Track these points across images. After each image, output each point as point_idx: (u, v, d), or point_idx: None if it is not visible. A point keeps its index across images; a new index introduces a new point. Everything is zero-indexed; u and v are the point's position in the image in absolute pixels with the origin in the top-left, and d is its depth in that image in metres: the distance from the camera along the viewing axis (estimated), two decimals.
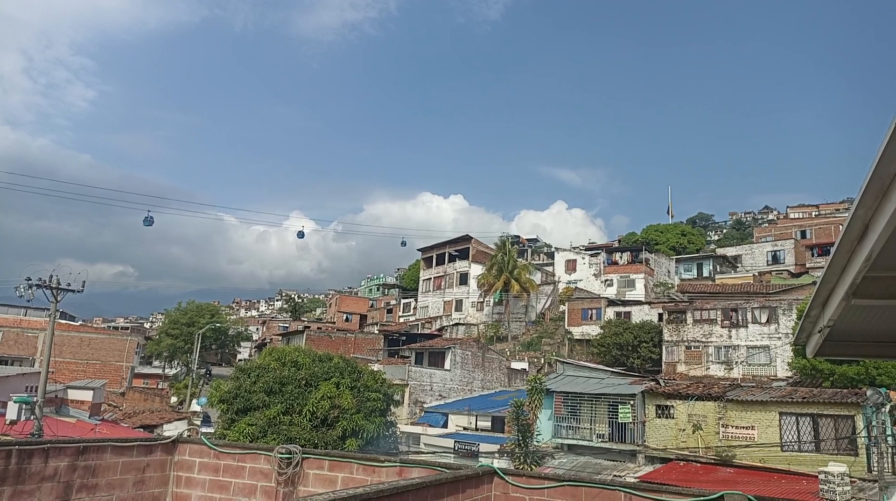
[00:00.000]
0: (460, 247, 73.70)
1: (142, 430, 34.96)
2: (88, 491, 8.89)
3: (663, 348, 45.74)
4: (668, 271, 67.47)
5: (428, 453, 28.06)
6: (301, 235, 47.00)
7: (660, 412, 26.09)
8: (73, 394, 34.09)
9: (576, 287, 63.26)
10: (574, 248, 77.32)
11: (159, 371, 76.93)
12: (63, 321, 54.97)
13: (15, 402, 21.63)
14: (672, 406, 25.81)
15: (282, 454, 9.61)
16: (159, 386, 64.62)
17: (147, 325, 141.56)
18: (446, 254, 74.72)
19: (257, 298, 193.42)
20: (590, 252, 71.11)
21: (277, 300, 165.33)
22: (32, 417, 21.57)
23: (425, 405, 39.55)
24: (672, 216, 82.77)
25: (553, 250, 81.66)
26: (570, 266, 68.10)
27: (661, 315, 48.63)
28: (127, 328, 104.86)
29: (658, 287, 62.87)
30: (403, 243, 76.08)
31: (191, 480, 10.07)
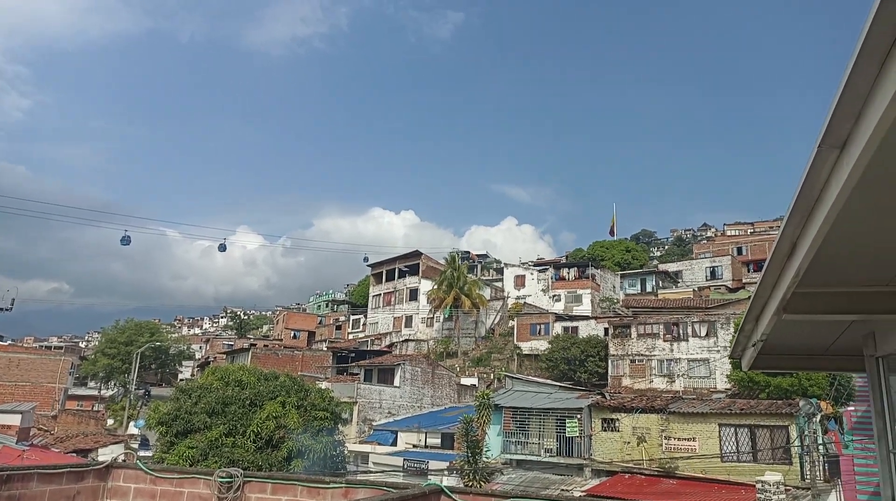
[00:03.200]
0: (410, 263, 73.58)
1: (75, 455, 33.16)
2: None
3: (609, 362, 46.65)
4: (614, 287, 69.04)
5: (377, 472, 27.66)
6: (223, 248, 44.69)
7: (606, 425, 26.52)
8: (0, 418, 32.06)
9: (525, 303, 63.96)
10: (523, 263, 78.27)
11: (95, 393, 73.41)
12: None
13: None
14: (617, 420, 26.28)
15: (222, 477, 9.28)
16: (95, 408, 61.60)
17: (82, 344, 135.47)
18: (396, 270, 74.44)
19: (201, 315, 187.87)
20: (538, 268, 72.11)
21: (222, 317, 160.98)
22: None
23: (374, 423, 39.05)
24: (614, 234, 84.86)
25: (503, 265, 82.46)
26: (520, 282, 68.87)
27: (606, 330, 49.63)
28: (61, 348, 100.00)
29: (604, 302, 64.20)
30: (366, 259, 75.52)
31: None
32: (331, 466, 22.30)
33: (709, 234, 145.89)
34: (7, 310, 24.26)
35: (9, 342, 75.60)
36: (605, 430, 26.41)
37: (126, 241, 33.81)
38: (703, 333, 44.03)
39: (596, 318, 55.83)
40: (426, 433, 34.01)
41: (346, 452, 25.81)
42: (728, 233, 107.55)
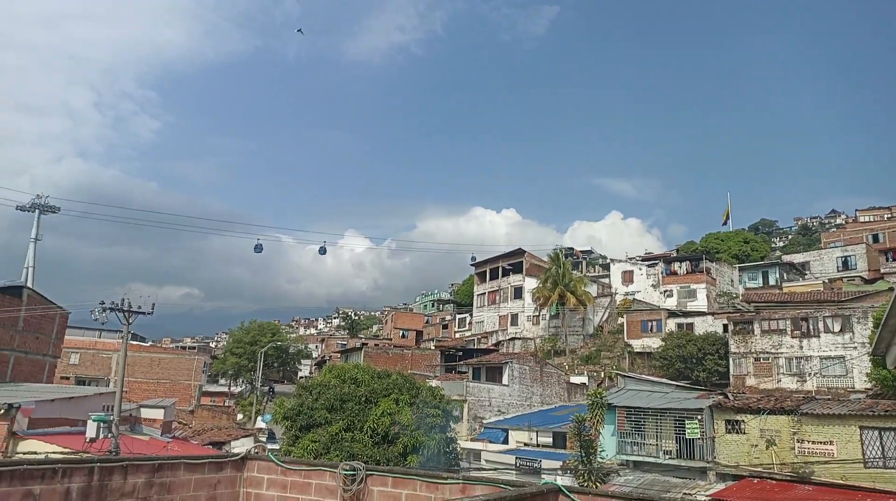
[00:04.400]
0: (514, 261, 73.32)
1: (211, 447, 36.08)
2: None
3: (730, 360, 44.06)
4: (732, 281, 65.14)
5: (489, 469, 27.82)
6: (323, 251, 48.05)
7: (730, 427, 25.07)
8: (145, 413, 35.50)
9: (634, 299, 61.85)
10: (630, 259, 75.74)
11: (225, 389, 79.30)
12: (134, 343, 57.51)
13: (93, 420, 22.68)
14: (743, 421, 24.76)
15: (346, 470, 9.69)
16: (226, 404, 66.56)
17: (213, 344, 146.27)
18: (500, 268, 74.46)
19: (316, 316, 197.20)
20: (647, 263, 69.47)
21: (335, 318, 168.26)
22: (109, 435, 22.56)
23: (484, 421, 39.28)
24: (726, 223, 79.92)
25: (608, 261, 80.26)
26: (627, 277, 66.67)
27: (726, 326, 46.92)
28: (194, 348, 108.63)
29: (721, 297, 60.75)
30: (473, 259, 76.49)
31: (260, 496, 10.27)
32: (445, 462, 22.70)
33: (838, 221, 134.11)
34: (149, 314, 26.67)
35: (150, 343, 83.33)
36: (729, 432, 24.97)
37: (259, 249, 36.48)
38: (837, 328, 40.52)
39: (713, 314, 52.96)
40: (537, 431, 33.77)
41: (458, 449, 26.17)
42: (861, 219, 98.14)
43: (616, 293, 66.11)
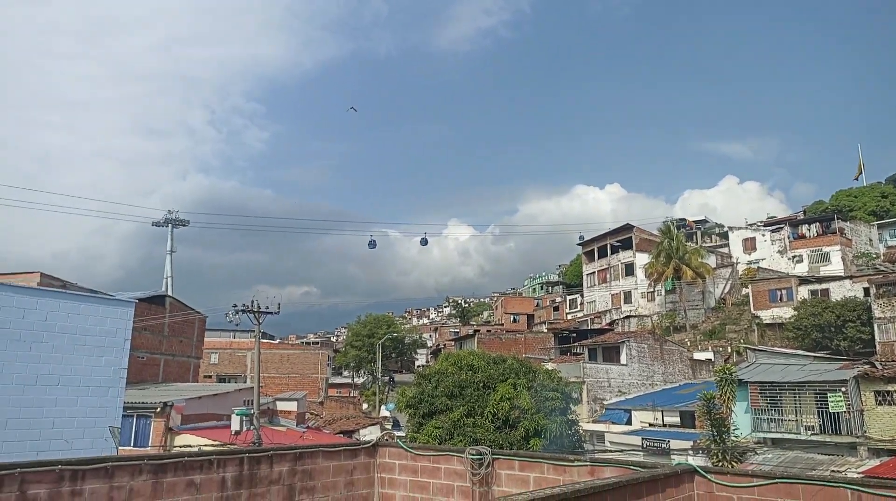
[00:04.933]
0: (622, 237, 70.98)
1: (342, 435, 38.06)
2: (308, 493, 9.82)
3: (875, 326, 40.23)
4: (870, 240, 59.32)
5: (615, 451, 27.28)
6: (424, 242, 48.74)
7: (880, 398, 22.96)
8: (280, 405, 38.06)
9: (758, 267, 57.93)
10: (751, 225, 70.86)
11: (349, 381, 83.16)
12: (264, 341, 61.57)
13: (237, 414, 24.65)
14: (895, 392, 22.60)
15: (473, 455, 9.88)
16: (351, 395, 69.87)
17: (333, 339, 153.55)
18: (608, 246, 72.37)
19: (427, 305, 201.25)
20: (770, 228, 64.73)
21: (445, 307, 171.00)
22: (251, 427, 24.41)
23: (605, 402, 38.52)
24: (859, 177, 72.59)
25: (726, 229, 75.51)
26: (749, 245, 62.54)
27: (867, 290, 42.85)
28: (317, 343, 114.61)
29: (859, 259, 55.54)
30: (581, 238, 75.11)
31: (393, 481, 10.71)
32: (568, 445, 22.56)
33: None
34: (275, 314, 28.44)
35: (277, 340, 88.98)
36: (879, 404, 22.87)
37: (372, 245, 38.10)
38: None
39: (851, 277, 48.54)
40: (662, 411, 32.64)
41: (580, 431, 25.89)
42: None
43: (737, 263, 62.26)
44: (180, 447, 24.69)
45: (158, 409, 26.55)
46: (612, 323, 64.37)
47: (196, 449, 20.47)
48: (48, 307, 14.06)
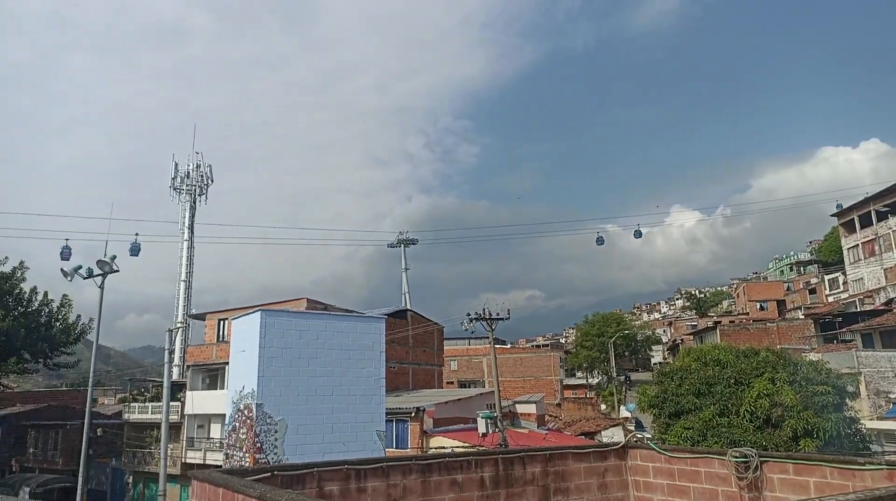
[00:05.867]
0: (890, 200, 60.01)
1: (583, 437, 37.76)
2: (563, 494, 9.91)
3: None
4: None
5: None
6: (638, 234, 40.99)
7: None
8: (520, 408, 39.06)
9: None
10: None
11: (583, 382, 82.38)
12: (497, 346, 63.81)
13: (482, 417, 25.88)
14: None
15: (736, 457, 9.11)
16: (587, 396, 69.12)
17: (562, 340, 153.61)
18: (872, 212, 61.71)
19: (656, 299, 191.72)
20: None
21: (678, 299, 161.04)
22: (496, 429, 25.41)
23: (891, 396, 32.77)
24: None
25: None
26: None
27: None
28: (547, 346, 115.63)
29: None
30: (839, 207, 64.91)
31: (648, 484, 10.31)
32: (849, 446, 19.60)
33: None
34: (506, 319, 29.33)
35: (508, 345, 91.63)
36: None
37: (600, 241, 37.62)
38: None
39: None
40: None
41: (863, 430, 22.34)
42: None
43: None
44: (435, 448, 26.64)
45: (413, 414, 28.99)
46: (888, 302, 54.61)
47: (449, 450, 21.92)
48: (318, 328, 16.22)
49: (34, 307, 37.57)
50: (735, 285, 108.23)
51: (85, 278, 20.16)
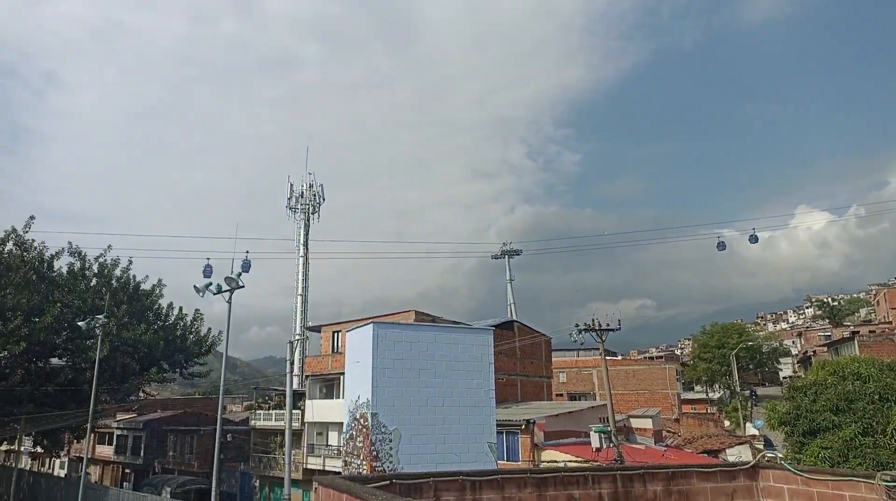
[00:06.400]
0: None
1: (705, 455, 35.64)
2: None
3: None
4: None
5: None
6: (754, 239, 36.92)
7: None
8: (634, 423, 37.52)
9: None
10: None
11: (703, 396, 77.84)
12: (608, 357, 61.91)
13: (595, 431, 25.12)
14: None
15: (887, 481, 8.23)
16: (708, 411, 65.24)
17: (678, 352, 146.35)
18: None
19: (782, 308, 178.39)
20: None
21: (807, 307, 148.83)
22: (610, 444, 24.57)
23: None
24: None
25: None
26: None
27: None
28: (661, 357, 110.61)
29: None
30: None
31: None
32: None
33: None
34: (617, 330, 28.42)
35: (619, 357, 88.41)
36: None
37: (721, 247, 35.59)
38: None
39: None
40: None
41: None
42: None
43: None
44: (546, 462, 26.17)
45: (523, 426, 28.68)
46: None
47: (562, 465, 21.45)
48: (427, 339, 16.49)
49: (171, 321, 41.03)
50: (874, 292, 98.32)
51: (215, 295, 21.76)
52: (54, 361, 36.47)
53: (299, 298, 46.89)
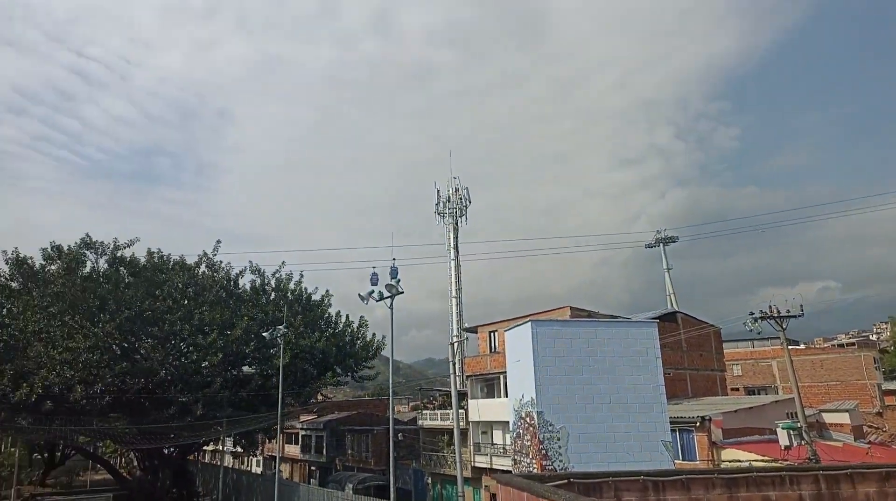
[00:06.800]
0: None
1: None
2: None
3: None
4: None
5: None
6: None
7: None
8: (828, 417, 33.74)
9: None
10: None
11: None
12: (790, 347, 56.38)
13: (783, 428, 22.89)
14: None
15: None
16: None
17: (872, 337, 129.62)
18: None
19: None
20: None
21: None
22: (802, 442, 22.25)
23: None
24: None
25: None
26: None
27: None
28: (852, 344, 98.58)
29: None
30: None
31: None
32: None
33: None
34: (800, 316, 25.76)
35: (802, 345, 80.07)
36: None
37: None
38: None
39: None
40: None
41: None
42: None
43: None
44: (728, 462, 24.34)
45: (698, 423, 26.94)
46: None
47: (746, 465, 19.82)
48: (587, 335, 16.08)
49: (339, 329, 44.01)
50: None
51: (377, 301, 22.94)
52: (245, 369, 40.75)
53: (454, 300, 47.99)
